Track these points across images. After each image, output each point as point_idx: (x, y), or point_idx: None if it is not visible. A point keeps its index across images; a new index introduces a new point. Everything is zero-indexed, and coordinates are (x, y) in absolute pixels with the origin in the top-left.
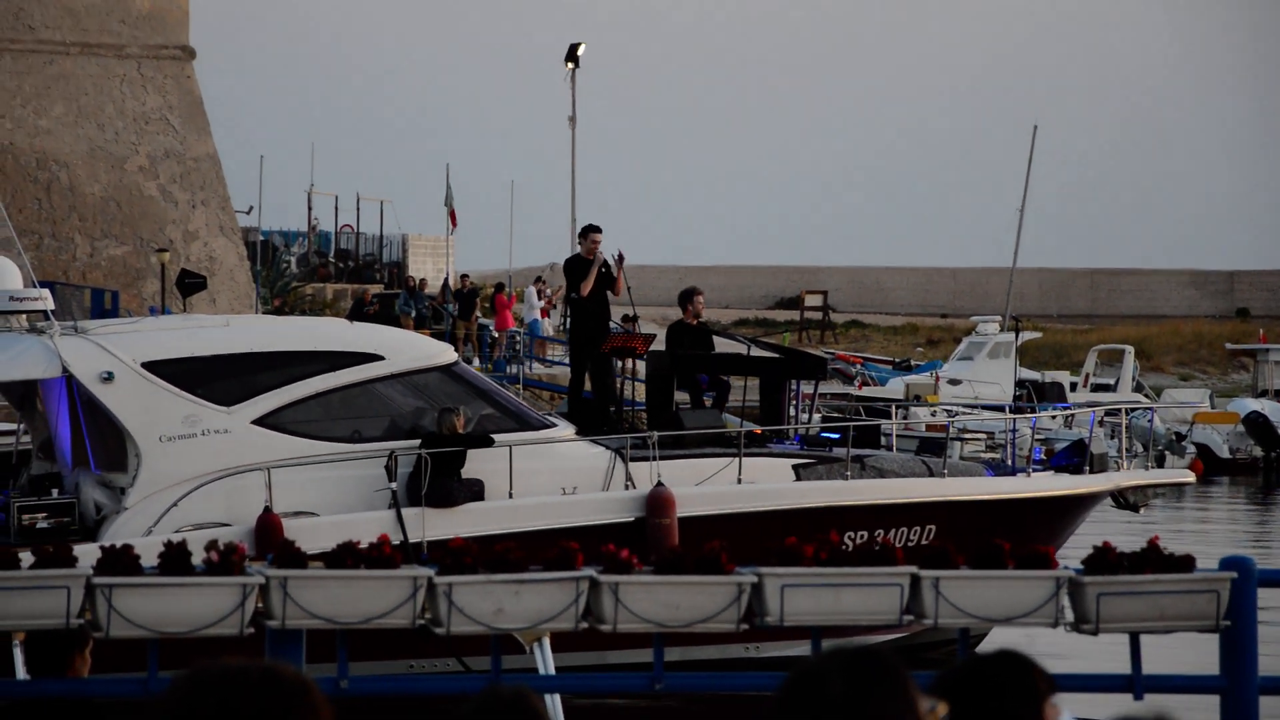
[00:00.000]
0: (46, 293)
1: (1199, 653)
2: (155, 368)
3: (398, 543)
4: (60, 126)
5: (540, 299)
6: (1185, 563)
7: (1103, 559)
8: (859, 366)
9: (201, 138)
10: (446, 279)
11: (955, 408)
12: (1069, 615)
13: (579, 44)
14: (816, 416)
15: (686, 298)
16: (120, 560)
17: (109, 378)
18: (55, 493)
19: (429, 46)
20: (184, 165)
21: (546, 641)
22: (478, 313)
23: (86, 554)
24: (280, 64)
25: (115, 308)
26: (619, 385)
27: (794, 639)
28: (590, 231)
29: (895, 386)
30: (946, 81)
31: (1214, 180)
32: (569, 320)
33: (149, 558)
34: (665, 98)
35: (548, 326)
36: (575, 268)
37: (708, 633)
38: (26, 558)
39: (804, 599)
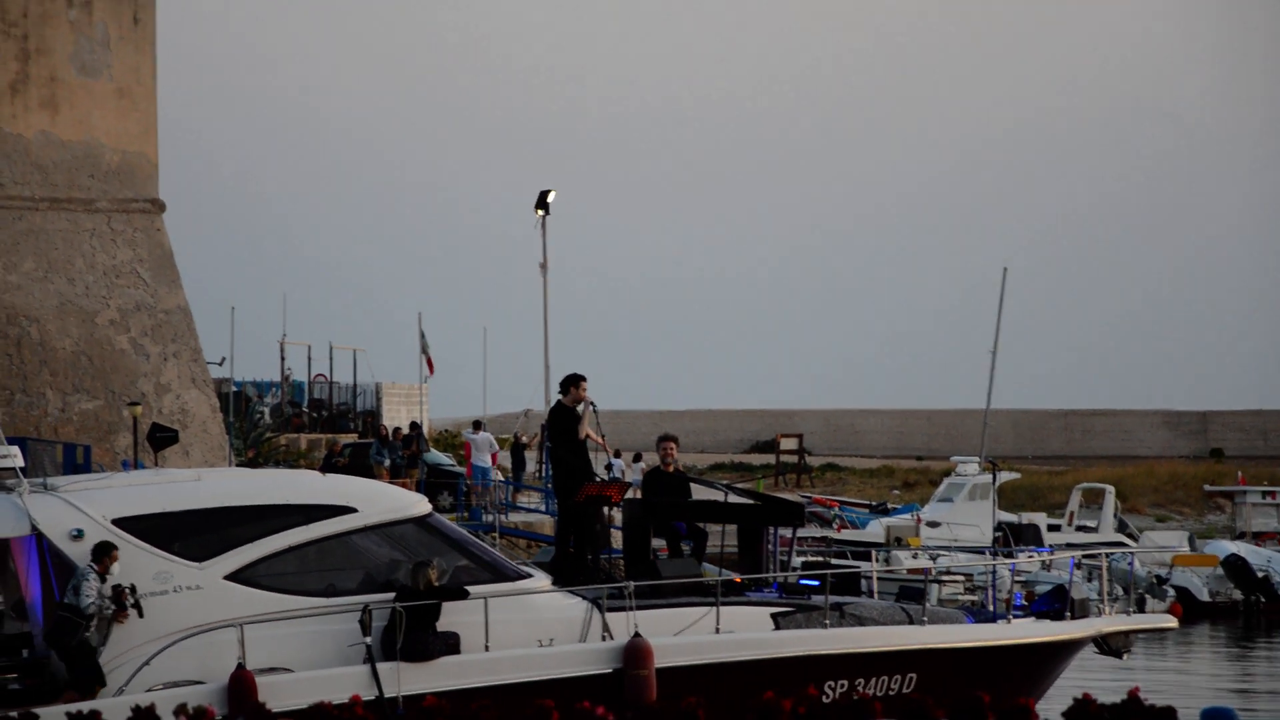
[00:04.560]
0: (16, 450)
1: None
2: (125, 524)
3: (373, 698)
4: (30, 281)
5: (489, 447)
6: (1167, 715)
7: (1084, 711)
8: (836, 510)
9: (172, 290)
10: (418, 426)
11: (937, 551)
12: None
13: (549, 191)
14: (797, 562)
15: (658, 445)
16: None
17: (79, 535)
18: (25, 653)
19: (399, 194)
20: (155, 318)
21: None
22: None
23: (52, 717)
24: (249, 215)
25: (88, 463)
26: (602, 534)
27: None
28: (578, 380)
29: (875, 530)
30: (915, 224)
31: (1186, 320)
32: (550, 469)
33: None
34: (635, 243)
35: (497, 474)
36: (560, 416)
37: None
38: None
39: None
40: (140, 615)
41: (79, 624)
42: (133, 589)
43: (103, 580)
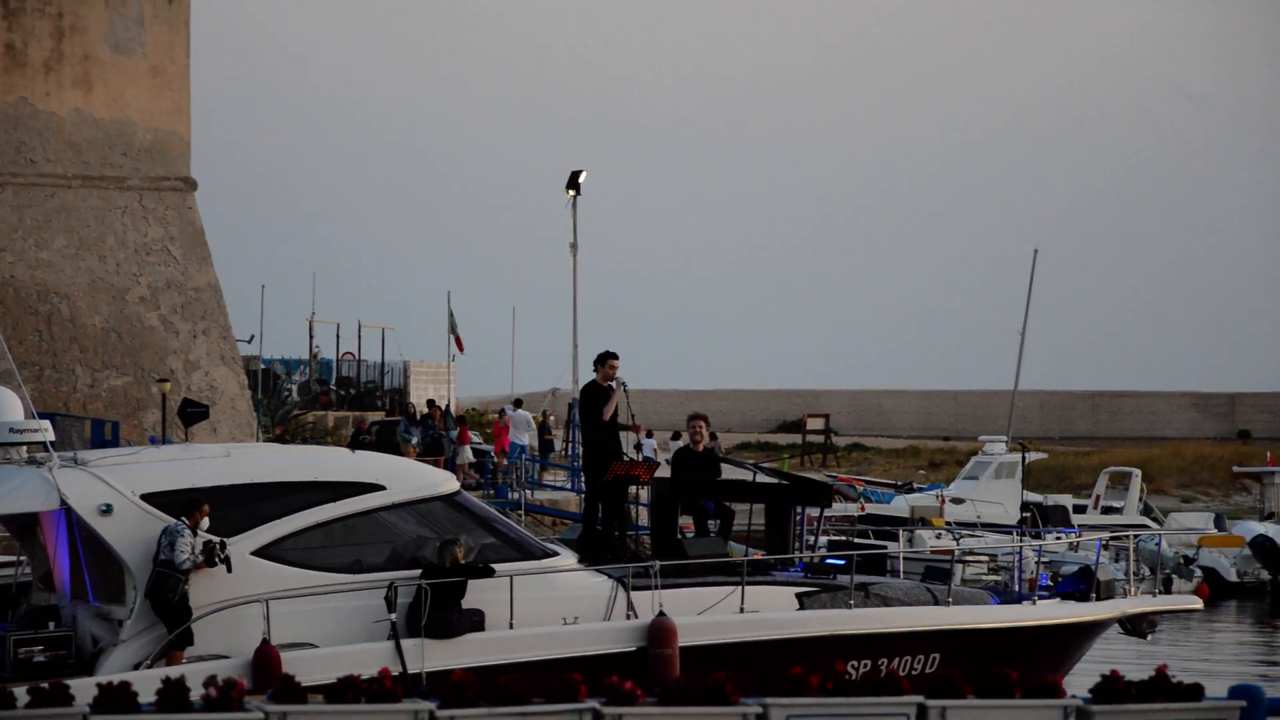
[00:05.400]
0: (46, 424)
1: None
2: (154, 499)
3: (397, 674)
4: (61, 259)
5: (526, 426)
6: (1194, 691)
7: (1111, 688)
8: (861, 489)
9: (203, 268)
10: (448, 405)
11: (961, 531)
12: None
13: (580, 171)
14: (822, 541)
15: (689, 423)
16: (118, 698)
17: (107, 510)
18: (52, 625)
19: (429, 175)
20: (185, 295)
21: None
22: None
23: (84, 689)
24: (280, 194)
25: (116, 438)
26: (631, 512)
27: None
28: (609, 358)
29: (900, 505)
30: (946, 205)
31: (1214, 302)
32: (581, 447)
33: (147, 692)
34: (665, 223)
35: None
36: (591, 394)
37: None
38: (21, 694)
39: None
40: (229, 570)
41: (178, 580)
42: (222, 544)
43: (194, 535)
